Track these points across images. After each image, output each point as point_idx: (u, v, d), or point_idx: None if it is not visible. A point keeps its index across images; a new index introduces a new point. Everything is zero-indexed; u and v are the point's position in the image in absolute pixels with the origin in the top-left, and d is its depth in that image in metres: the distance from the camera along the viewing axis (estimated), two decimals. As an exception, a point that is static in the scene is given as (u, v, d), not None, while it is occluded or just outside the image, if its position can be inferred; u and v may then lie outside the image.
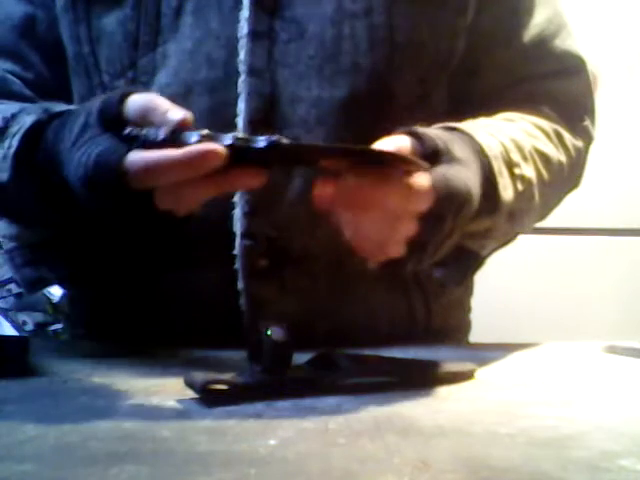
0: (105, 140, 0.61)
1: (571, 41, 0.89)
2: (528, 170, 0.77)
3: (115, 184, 0.60)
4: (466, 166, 0.67)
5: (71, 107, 0.72)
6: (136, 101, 0.63)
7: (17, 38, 0.88)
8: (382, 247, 0.64)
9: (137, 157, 0.59)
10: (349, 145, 0.61)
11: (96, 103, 0.65)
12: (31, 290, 0.89)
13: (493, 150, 0.72)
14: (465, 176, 0.66)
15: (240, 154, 0.58)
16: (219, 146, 0.57)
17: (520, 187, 0.74)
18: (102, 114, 0.63)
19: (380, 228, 0.62)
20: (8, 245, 0.88)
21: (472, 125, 0.75)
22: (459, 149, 0.68)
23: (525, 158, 0.77)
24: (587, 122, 0.90)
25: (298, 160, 0.63)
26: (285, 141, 0.58)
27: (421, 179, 0.62)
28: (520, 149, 0.77)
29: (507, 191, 0.72)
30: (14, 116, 0.74)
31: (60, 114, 0.70)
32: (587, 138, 0.90)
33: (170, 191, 0.60)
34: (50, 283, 0.94)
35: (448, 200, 0.63)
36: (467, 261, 0.77)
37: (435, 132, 0.67)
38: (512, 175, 0.74)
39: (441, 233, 0.65)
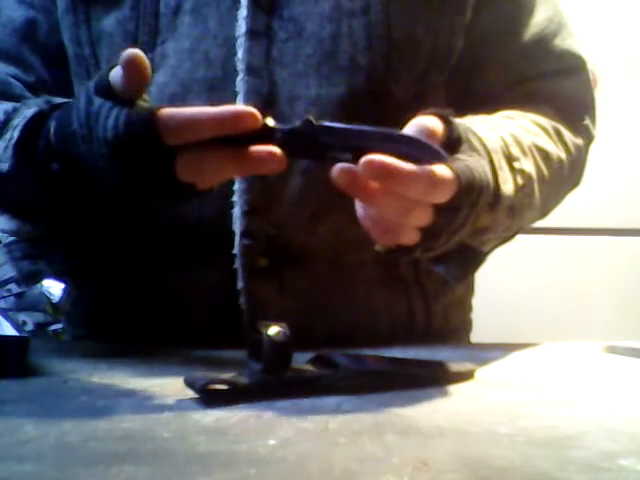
0: (126, 106, 0.62)
1: (571, 40, 0.89)
2: (528, 165, 0.76)
3: (151, 136, 0.59)
4: (482, 157, 0.67)
5: (71, 100, 0.73)
6: (116, 69, 0.63)
7: (19, 42, 0.88)
8: (394, 233, 0.63)
9: (172, 110, 0.60)
10: (377, 128, 0.60)
11: (91, 82, 0.65)
12: (28, 283, 0.89)
13: (493, 144, 0.71)
14: (483, 167, 0.66)
15: (265, 136, 0.59)
16: (254, 109, 0.58)
17: (520, 181, 0.74)
18: (97, 88, 0.63)
19: (394, 214, 0.62)
20: (7, 239, 0.88)
21: (471, 120, 0.75)
22: (476, 141, 0.68)
23: (524, 153, 0.77)
24: (587, 121, 0.90)
25: (321, 148, 0.63)
26: (315, 123, 0.59)
27: (444, 170, 0.61)
28: (519, 144, 0.77)
29: (507, 185, 0.71)
30: (15, 109, 0.75)
31: (61, 105, 0.70)
32: (587, 137, 0.90)
33: (192, 161, 0.60)
34: (47, 276, 0.94)
35: (468, 191, 0.63)
36: (468, 257, 0.77)
37: (459, 120, 0.67)
38: (512, 169, 0.73)
39: (455, 222, 0.64)
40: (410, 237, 0.63)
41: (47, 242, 0.87)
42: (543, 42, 0.87)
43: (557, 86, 0.88)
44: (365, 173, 0.58)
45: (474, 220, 0.67)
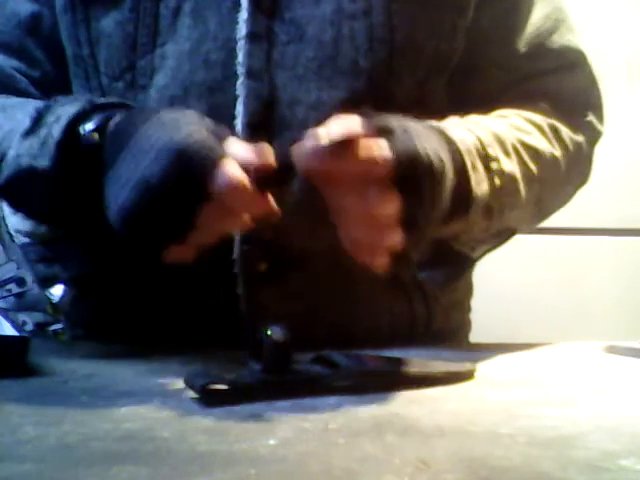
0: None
1: (570, 36, 0.88)
2: (508, 165, 0.76)
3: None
4: (425, 137, 0.66)
5: (118, 99, 0.75)
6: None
7: (24, 36, 0.87)
8: (377, 234, 0.63)
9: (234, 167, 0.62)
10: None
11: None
12: (43, 287, 0.89)
13: (466, 144, 0.71)
14: (427, 141, 0.65)
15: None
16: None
17: (498, 182, 0.74)
18: None
19: (360, 205, 0.62)
20: (21, 240, 0.88)
21: (449, 121, 0.74)
22: (415, 127, 0.67)
23: (506, 152, 0.76)
24: (590, 117, 0.88)
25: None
26: None
27: (379, 142, 0.62)
28: (502, 143, 0.76)
29: (481, 186, 0.71)
30: (48, 107, 0.74)
31: (105, 105, 0.71)
32: (591, 133, 0.88)
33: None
34: (62, 281, 0.93)
35: (412, 161, 0.63)
36: (456, 263, 0.77)
37: (389, 115, 0.67)
38: (488, 170, 0.73)
39: (423, 200, 0.64)
40: (393, 235, 0.63)
41: (62, 245, 0.86)
42: (540, 40, 0.86)
43: (557, 83, 0.87)
44: (299, 163, 0.62)
45: (441, 201, 0.66)
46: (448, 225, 0.69)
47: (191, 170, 0.62)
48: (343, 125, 0.63)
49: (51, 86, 0.86)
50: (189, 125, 0.64)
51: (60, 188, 0.71)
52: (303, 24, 0.79)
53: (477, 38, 0.85)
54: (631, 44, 1.85)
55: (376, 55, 0.80)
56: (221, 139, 0.65)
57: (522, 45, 0.86)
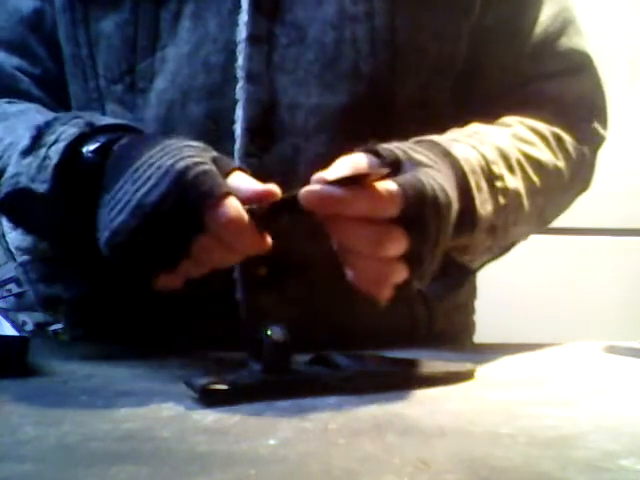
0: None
1: (578, 38, 0.87)
2: (513, 181, 0.75)
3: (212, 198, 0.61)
4: (433, 168, 0.65)
5: (118, 121, 0.72)
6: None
7: (26, 32, 0.87)
8: (382, 272, 0.62)
9: (235, 203, 0.62)
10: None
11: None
12: (47, 308, 0.88)
13: (471, 164, 0.70)
14: (432, 175, 0.64)
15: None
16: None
17: (502, 201, 0.73)
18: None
19: (367, 245, 0.61)
20: (21, 258, 0.87)
21: (452, 136, 0.73)
22: (423, 156, 0.66)
23: (511, 168, 0.75)
24: (595, 123, 0.87)
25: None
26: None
27: (387, 184, 0.60)
28: (506, 159, 0.75)
29: (485, 206, 0.70)
30: (48, 124, 0.72)
31: (104, 128, 0.70)
32: (595, 140, 0.88)
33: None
34: (65, 303, 0.92)
35: (419, 199, 0.61)
36: (456, 275, 0.76)
37: (395, 144, 0.66)
38: (493, 189, 0.72)
39: (429, 237, 0.63)
40: (398, 272, 0.62)
41: (63, 262, 0.85)
42: (547, 41, 0.85)
43: (563, 86, 0.86)
44: (307, 207, 0.59)
45: (446, 233, 0.65)
46: (452, 242, 0.69)
47: (188, 200, 0.62)
48: (349, 164, 0.62)
49: (52, 84, 0.86)
50: (193, 155, 0.64)
51: (57, 210, 0.70)
52: (304, 26, 0.78)
53: (482, 38, 0.83)
54: (632, 44, 1.85)
55: (378, 58, 0.78)
56: (226, 172, 0.64)
57: (528, 46, 0.85)
